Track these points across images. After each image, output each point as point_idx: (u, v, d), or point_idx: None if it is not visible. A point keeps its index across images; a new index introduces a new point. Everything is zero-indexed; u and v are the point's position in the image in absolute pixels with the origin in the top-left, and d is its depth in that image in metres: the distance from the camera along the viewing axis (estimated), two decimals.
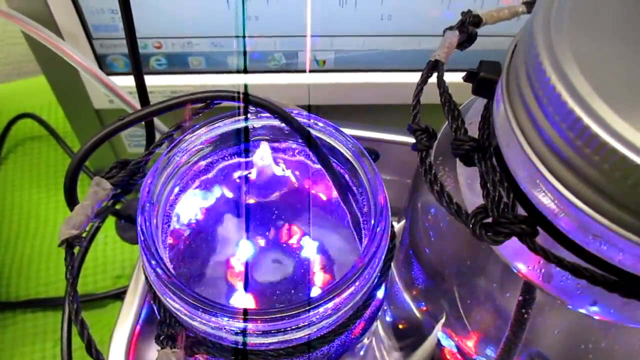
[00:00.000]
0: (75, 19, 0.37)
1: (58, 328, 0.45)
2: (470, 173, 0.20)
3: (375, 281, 0.21)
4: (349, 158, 0.23)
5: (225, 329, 0.18)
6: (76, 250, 0.19)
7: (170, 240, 0.23)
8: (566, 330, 0.20)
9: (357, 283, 0.19)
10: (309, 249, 0.23)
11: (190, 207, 0.24)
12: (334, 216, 0.25)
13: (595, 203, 0.14)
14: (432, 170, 0.18)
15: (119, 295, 0.46)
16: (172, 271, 0.19)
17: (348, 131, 0.23)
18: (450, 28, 0.23)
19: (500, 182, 0.17)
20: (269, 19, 0.38)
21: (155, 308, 0.21)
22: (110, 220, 0.50)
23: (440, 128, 0.23)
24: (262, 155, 0.24)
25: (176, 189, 0.23)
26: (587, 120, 0.13)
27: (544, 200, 0.16)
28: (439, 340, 0.25)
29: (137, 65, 0.25)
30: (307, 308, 0.18)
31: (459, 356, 0.25)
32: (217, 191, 0.24)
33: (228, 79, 0.41)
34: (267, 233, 0.24)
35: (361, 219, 0.23)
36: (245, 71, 0.41)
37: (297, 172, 0.25)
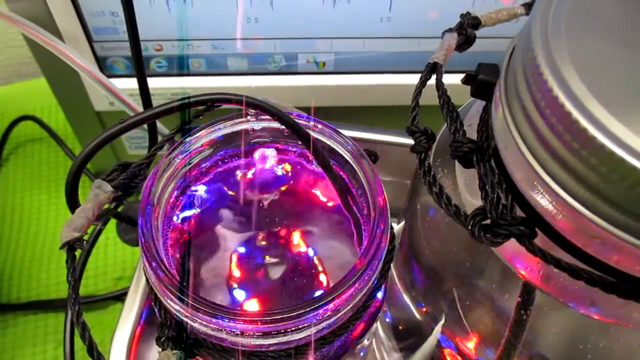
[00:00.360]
0: (76, 22, 0.37)
1: (59, 330, 0.45)
2: (469, 175, 0.20)
3: (375, 282, 0.21)
4: (349, 160, 0.23)
5: (225, 330, 0.19)
6: (77, 252, 0.19)
7: (170, 242, 0.23)
8: (565, 331, 0.20)
9: (356, 284, 0.19)
10: (309, 251, 0.24)
11: (191, 208, 0.24)
12: (334, 218, 0.25)
13: (593, 205, 0.14)
14: (431, 172, 0.18)
15: (120, 297, 0.46)
16: (173, 273, 0.19)
17: (348, 133, 0.23)
18: (449, 30, 0.23)
19: (499, 183, 0.17)
20: (269, 21, 0.38)
21: (156, 310, 0.21)
22: (112, 223, 0.51)
23: (439, 129, 0.23)
24: (263, 156, 0.24)
25: (177, 191, 0.23)
26: (584, 122, 0.13)
27: (542, 202, 0.16)
28: (438, 342, 0.25)
29: (140, 68, 0.25)
30: (307, 309, 0.18)
31: (459, 357, 0.25)
32: (218, 193, 0.24)
33: (228, 81, 0.41)
34: (267, 234, 0.24)
35: (361, 221, 0.24)
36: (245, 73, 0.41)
37: (297, 174, 0.25)
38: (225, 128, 0.23)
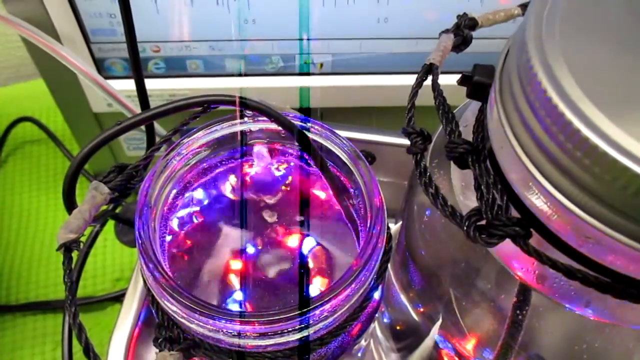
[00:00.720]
0: (74, 23, 0.37)
1: (58, 331, 0.45)
2: (465, 175, 0.20)
3: (372, 283, 0.21)
4: (345, 161, 0.23)
5: (222, 331, 0.19)
6: (75, 254, 0.19)
7: (168, 244, 0.23)
8: (561, 331, 0.20)
9: (353, 285, 0.19)
10: (306, 251, 0.24)
11: (188, 210, 0.24)
12: (331, 218, 0.25)
13: (587, 205, 0.14)
14: (427, 173, 0.18)
15: (118, 298, 0.46)
16: (170, 274, 0.19)
17: (345, 133, 0.23)
18: (446, 31, 0.23)
19: (494, 184, 0.17)
20: (266, 22, 0.38)
21: (153, 311, 0.21)
22: (110, 224, 0.51)
23: (436, 130, 0.23)
24: (259, 158, 0.24)
25: (174, 193, 0.23)
26: (577, 123, 0.13)
27: (537, 202, 0.16)
28: (436, 342, 0.26)
29: (138, 70, 0.25)
30: (304, 310, 0.18)
31: (456, 358, 0.25)
32: (215, 194, 0.25)
33: (226, 82, 0.41)
34: (265, 235, 0.24)
35: (358, 221, 0.24)
36: (243, 74, 0.41)
37: (294, 175, 0.25)
38: (223, 129, 0.24)
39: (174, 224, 0.24)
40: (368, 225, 0.21)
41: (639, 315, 0.17)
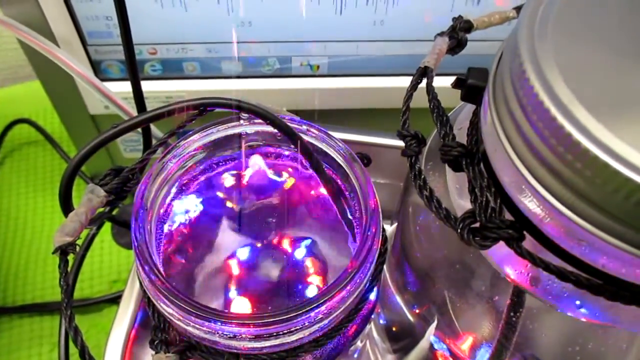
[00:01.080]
0: (70, 26, 0.37)
1: (54, 333, 0.45)
2: (459, 178, 0.20)
3: (367, 285, 0.21)
4: (341, 163, 0.23)
5: (218, 333, 0.19)
6: (71, 256, 0.19)
7: (164, 246, 0.23)
8: (555, 332, 0.20)
9: (349, 287, 0.19)
10: (302, 253, 0.24)
11: (184, 212, 0.24)
12: (327, 220, 0.25)
13: (579, 208, 0.14)
14: (422, 176, 0.19)
15: (115, 300, 0.46)
16: (166, 276, 0.19)
17: (342, 135, 0.23)
18: (441, 34, 0.23)
19: (488, 187, 0.17)
20: (262, 25, 0.38)
21: (149, 313, 0.21)
22: (107, 226, 0.51)
23: (432, 132, 0.23)
24: (255, 164, 0.25)
25: (170, 195, 0.23)
26: (569, 127, 0.13)
27: (530, 205, 0.16)
28: (431, 344, 0.26)
29: (134, 72, 0.25)
30: (299, 312, 0.19)
31: (451, 359, 0.25)
32: (211, 196, 0.25)
33: (223, 84, 0.41)
34: (260, 237, 0.24)
35: (353, 223, 0.24)
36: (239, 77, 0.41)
37: (289, 177, 0.25)
38: (219, 132, 0.24)
39: (170, 226, 0.24)
40: (363, 227, 0.21)
41: (630, 316, 0.17)
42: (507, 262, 0.19)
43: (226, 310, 0.22)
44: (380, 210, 0.21)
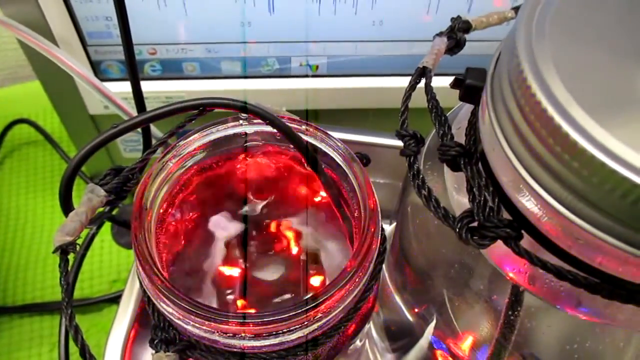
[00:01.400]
0: (70, 26, 0.37)
1: (54, 332, 0.45)
2: (457, 178, 0.20)
3: (366, 284, 0.21)
4: (340, 163, 0.23)
5: (218, 332, 0.19)
6: (71, 256, 0.19)
7: (164, 245, 0.23)
8: (553, 330, 0.20)
9: (347, 286, 0.19)
10: (301, 253, 0.24)
11: (184, 212, 0.24)
12: (326, 220, 0.25)
13: (576, 207, 0.14)
14: (420, 175, 0.19)
15: (115, 299, 0.46)
16: (166, 276, 0.19)
17: (341, 135, 0.24)
18: (440, 34, 0.23)
19: (486, 186, 0.17)
20: (262, 25, 0.38)
21: (149, 312, 0.21)
22: (107, 225, 0.51)
23: (430, 132, 0.23)
24: (255, 164, 0.25)
25: (170, 195, 0.23)
26: (566, 127, 0.13)
27: (528, 204, 0.16)
28: (430, 343, 0.26)
29: (134, 72, 0.26)
30: (298, 311, 0.19)
31: (450, 358, 0.25)
32: (211, 196, 0.25)
33: (222, 84, 0.42)
34: (260, 237, 0.24)
35: (352, 223, 0.24)
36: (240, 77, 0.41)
37: (289, 177, 0.25)
38: (218, 132, 0.24)
39: (170, 226, 0.24)
40: (362, 226, 0.21)
41: (627, 315, 0.18)
42: (506, 261, 0.19)
43: (226, 309, 0.22)
44: (379, 209, 0.21)
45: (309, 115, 0.23)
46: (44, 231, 0.51)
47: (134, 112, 0.34)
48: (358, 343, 0.27)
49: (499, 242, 0.16)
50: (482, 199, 0.17)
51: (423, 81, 0.21)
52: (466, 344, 0.24)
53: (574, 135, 0.13)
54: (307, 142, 0.23)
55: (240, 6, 0.37)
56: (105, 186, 0.21)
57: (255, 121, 0.24)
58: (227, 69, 0.41)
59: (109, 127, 0.21)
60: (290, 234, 0.24)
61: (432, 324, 0.25)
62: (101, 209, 0.21)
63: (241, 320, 0.18)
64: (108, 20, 0.37)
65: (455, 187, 0.20)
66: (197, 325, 0.19)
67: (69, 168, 0.20)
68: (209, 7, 0.37)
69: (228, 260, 0.23)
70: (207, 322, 0.18)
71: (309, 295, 0.19)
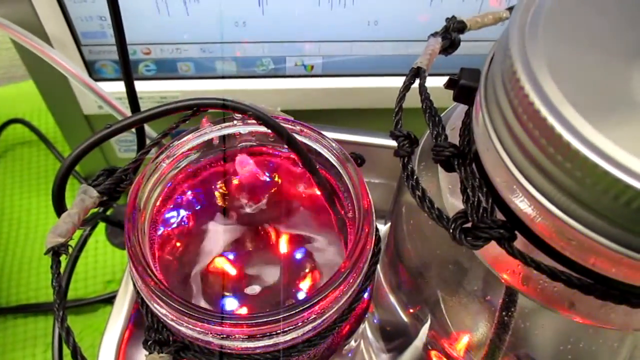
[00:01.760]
0: (64, 26, 0.37)
1: (48, 333, 0.45)
2: (451, 178, 0.20)
3: (361, 284, 0.21)
4: (334, 163, 0.23)
5: (211, 333, 0.19)
6: (63, 257, 0.19)
7: (157, 246, 0.23)
8: (546, 331, 0.21)
9: (341, 287, 0.19)
10: (295, 253, 0.24)
11: (177, 213, 0.24)
12: (320, 220, 0.25)
13: (569, 208, 0.14)
14: (414, 176, 0.19)
15: (109, 300, 0.46)
16: (159, 277, 0.19)
17: (336, 135, 0.24)
18: (434, 34, 0.23)
19: (479, 187, 0.17)
20: (256, 25, 0.38)
21: (143, 313, 0.21)
22: (101, 226, 0.51)
23: (425, 132, 0.23)
24: (248, 164, 0.25)
25: (163, 195, 0.23)
26: (559, 128, 0.13)
27: (521, 205, 0.16)
28: (425, 343, 0.26)
29: (128, 72, 0.25)
30: (292, 312, 0.19)
31: (444, 359, 0.25)
32: (204, 197, 0.25)
33: (217, 84, 0.41)
34: (254, 237, 0.24)
35: (347, 223, 0.24)
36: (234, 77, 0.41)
37: (283, 177, 0.25)
38: (212, 132, 0.24)
39: (164, 226, 0.24)
40: (357, 226, 0.21)
41: (620, 316, 0.18)
42: (499, 261, 0.19)
43: (219, 311, 0.22)
44: (373, 210, 0.21)
45: (303, 116, 0.23)
46: (38, 231, 0.51)
47: (128, 112, 0.34)
48: (353, 343, 0.27)
49: (493, 243, 0.16)
50: (476, 199, 0.17)
51: (417, 82, 0.21)
52: (461, 344, 0.24)
53: (567, 136, 0.13)
54: (301, 142, 0.23)
55: (234, 6, 0.37)
56: (98, 187, 0.21)
57: (249, 121, 0.24)
58: (221, 69, 0.41)
59: (103, 127, 0.21)
60: (284, 235, 0.24)
61: (427, 324, 0.25)
62: (94, 210, 0.21)
63: (235, 322, 0.18)
64: (102, 20, 0.37)
65: (449, 187, 0.20)
66: (190, 326, 0.19)
67: (62, 168, 0.20)
68: (203, 7, 0.37)
69: (221, 262, 0.23)
70: (200, 324, 0.18)
71: (303, 297, 0.19)
